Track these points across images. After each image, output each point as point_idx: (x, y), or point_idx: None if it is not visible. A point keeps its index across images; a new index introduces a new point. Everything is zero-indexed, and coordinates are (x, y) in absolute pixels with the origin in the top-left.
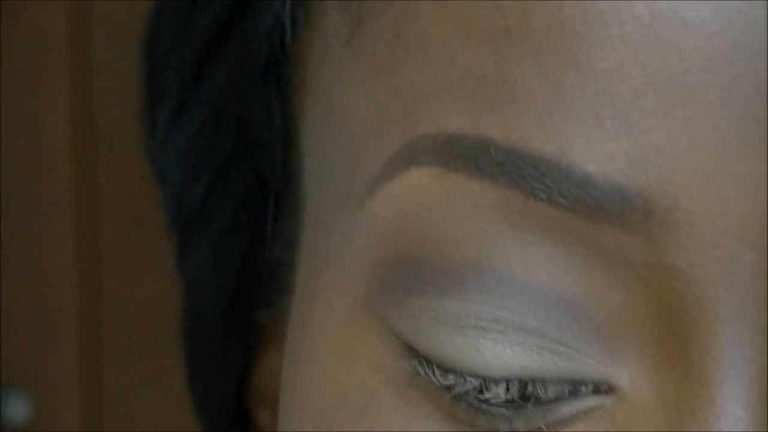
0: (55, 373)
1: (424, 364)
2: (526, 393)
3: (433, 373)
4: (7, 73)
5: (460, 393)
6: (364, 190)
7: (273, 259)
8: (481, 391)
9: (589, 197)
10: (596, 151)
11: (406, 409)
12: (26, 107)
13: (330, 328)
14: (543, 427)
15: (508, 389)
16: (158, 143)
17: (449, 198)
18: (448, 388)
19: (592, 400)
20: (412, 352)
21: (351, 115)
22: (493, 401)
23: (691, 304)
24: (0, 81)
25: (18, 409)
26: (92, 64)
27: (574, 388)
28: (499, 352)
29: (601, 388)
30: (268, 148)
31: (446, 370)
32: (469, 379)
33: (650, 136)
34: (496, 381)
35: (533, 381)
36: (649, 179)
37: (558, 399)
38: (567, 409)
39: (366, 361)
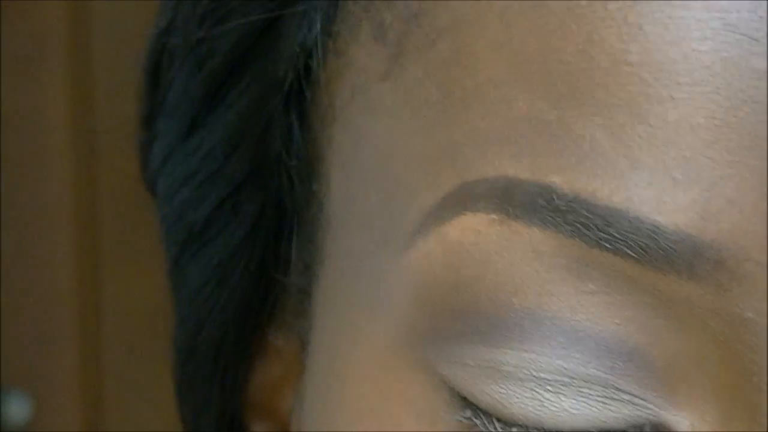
0: (55, 373)
1: (481, 416)
2: None
3: (494, 426)
4: (7, 73)
5: None
6: (411, 229)
7: (286, 282)
8: None
9: (659, 248)
10: (665, 202)
11: None
12: (26, 107)
13: (367, 367)
14: None
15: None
16: (160, 159)
17: (508, 244)
18: None
19: None
20: (466, 402)
21: (390, 151)
22: None
23: (759, 353)
24: (0, 81)
25: (18, 409)
26: (92, 64)
27: None
28: (564, 404)
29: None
30: (287, 172)
31: (508, 424)
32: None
33: (721, 187)
34: None
35: None
36: (720, 230)
37: None
38: None
39: (413, 409)
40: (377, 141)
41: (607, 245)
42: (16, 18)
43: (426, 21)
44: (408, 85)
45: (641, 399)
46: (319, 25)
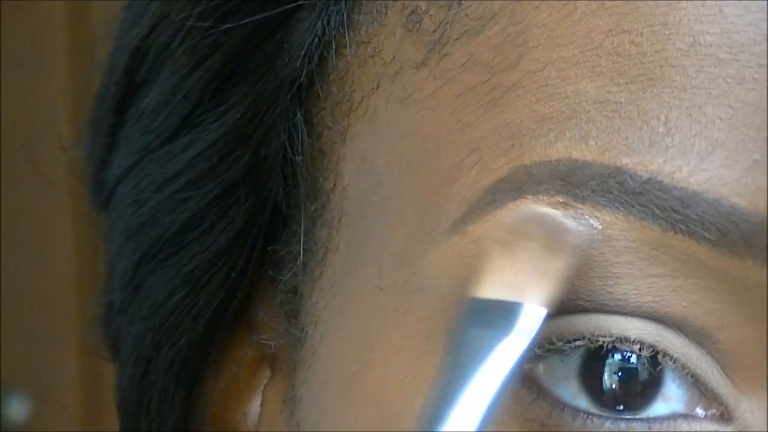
0: (55, 373)
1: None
2: (657, 359)
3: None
4: (7, 72)
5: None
6: (456, 215)
7: (276, 283)
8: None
9: (737, 231)
10: (746, 184)
11: None
12: (26, 107)
13: (399, 352)
14: None
15: (641, 349)
16: (125, 165)
17: (572, 227)
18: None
19: (710, 426)
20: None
21: (428, 138)
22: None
23: None
24: (0, 80)
25: (18, 409)
26: (92, 64)
27: (691, 408)
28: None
29: (722, 416)
30: (286, 170)
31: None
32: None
33: None
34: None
35: (664, 352)
36: None
37: (675, 415)
38: (685, 427)
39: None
40: (411, 128)
41: (683, 227)
42: (16, 18)
43: (471, 7)
44: (451, 72)
45: (704, 379)
46: (339, 16)
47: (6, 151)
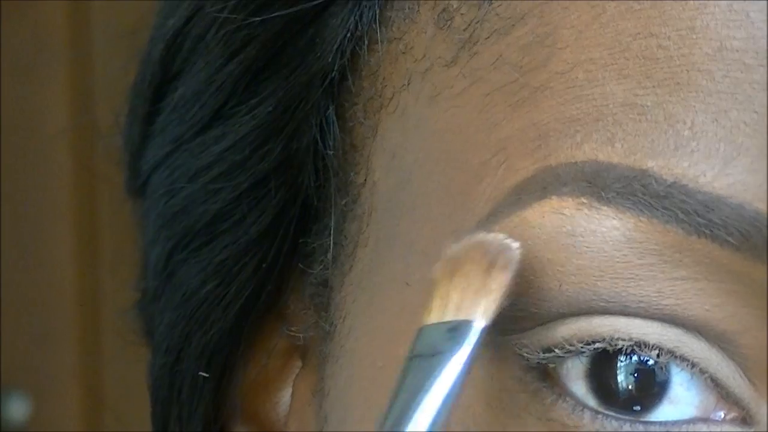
0: (55, 373)
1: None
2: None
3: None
4: (7, 73)
5: None
6: (482, 214)
7: (306, 275)
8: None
9: (760, 236)
10: None
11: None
12: (26, 107)
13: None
14: None
15: (659, 355)
16: (160, 155)
17: (597, 229)
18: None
19: (730, 429)
20: (536, 374)
21: (456, 136)
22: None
23: None
24: (0, 81)
25: (18, 409)
26: (92, 64)
27: (710, 411)
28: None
29: (744, 419)
30: (318, 164)
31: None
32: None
33: None
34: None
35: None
36: None
37: (695, 419)
38: (704, 431)
39: (480, 385)
40: (440, 126)
41: (707, 231)
42: (16, 18)
43: (501, 6)
44: (480, 71)
45: (725, 382)
46: (372, 12)
47: (6, 151)
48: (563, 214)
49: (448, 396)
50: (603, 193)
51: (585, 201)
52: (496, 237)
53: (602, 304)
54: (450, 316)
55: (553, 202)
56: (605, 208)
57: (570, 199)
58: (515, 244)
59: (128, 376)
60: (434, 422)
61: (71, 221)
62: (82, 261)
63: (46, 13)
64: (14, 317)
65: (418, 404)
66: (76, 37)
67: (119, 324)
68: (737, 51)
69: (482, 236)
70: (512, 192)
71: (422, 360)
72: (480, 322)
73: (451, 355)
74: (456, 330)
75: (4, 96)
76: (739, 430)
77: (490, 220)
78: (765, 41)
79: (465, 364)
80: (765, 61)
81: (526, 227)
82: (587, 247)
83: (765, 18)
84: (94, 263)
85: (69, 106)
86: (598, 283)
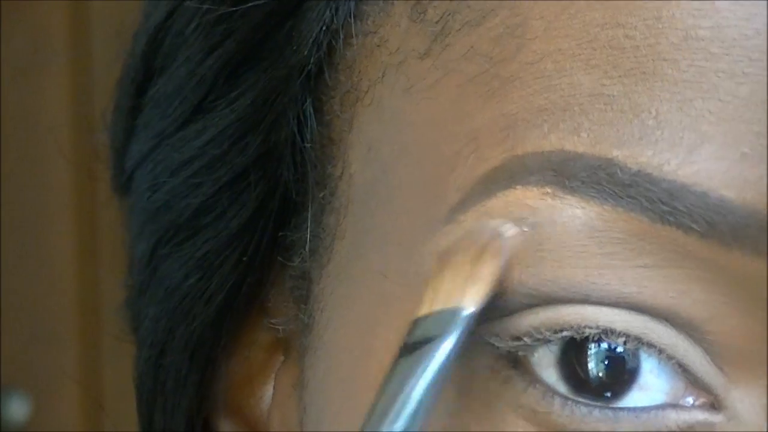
0: (55, 373)
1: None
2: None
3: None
4: (7, 73)
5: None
6: (452, 204)
7: (286, 268)
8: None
9: (725, 223)
10: (734, 177)
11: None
12: (26, 107)
13: (400, 338)
14: None
15: (626, 342)
16: (144, 150)
17: (559, 218)
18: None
19: (699, 414)
20: (506, 363)
21: (429, 127)
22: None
23: None
24: (0, 81)
25: (18, 409)
26: (92, 64)
27: (679, 397)
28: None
29: (713, 405)
30: (296, 157)
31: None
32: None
33: None
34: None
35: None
36: None
37: (664, 405)
38: (673, 417)
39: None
40: (414, 118)
41: (671, 219)
42: (16, 18)
43: None
44: (452, 62)
45: (693, 368)
46: (347, 5)
47: (6, 151)
48: (527, 204)
49: (435, 381)
50: (568, 182)
51: (549, 191)
52: (487, 225)
53: (564, 293)
54: (440, 306)
55: (518, 192)
56: (569, 197)
57: (535, 189)
58: (509, 232)
59: (128, 376)
60: (418, 409)
61: (71, 221)
62: (82, 261)
63: (46, 13)
64: (14, 317)
65: (408, 391)
66: (76, 37)
67: (119, 324)
68: (703, 40)
69: (473, 224)
70: (481, 181)
71: (413, 349)
72: (468, 309)
73: (441, 343)
74: (445, 318)
75: (4, 96)
76: (708, 415)
77: (458, 209)
78: (731, 30)
79: (452, 350)
80: (731, 50)
81: (491, 216)
82: (547, 237)
83: (731, 7)
84: (94, 263)
85: (69, 106)
86: (559, 273)
